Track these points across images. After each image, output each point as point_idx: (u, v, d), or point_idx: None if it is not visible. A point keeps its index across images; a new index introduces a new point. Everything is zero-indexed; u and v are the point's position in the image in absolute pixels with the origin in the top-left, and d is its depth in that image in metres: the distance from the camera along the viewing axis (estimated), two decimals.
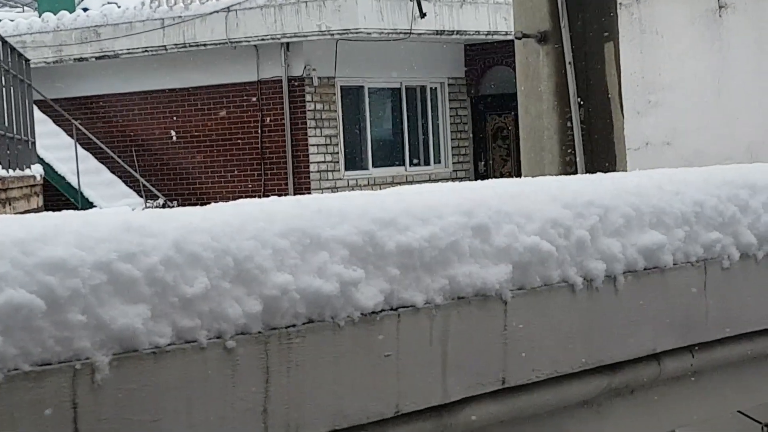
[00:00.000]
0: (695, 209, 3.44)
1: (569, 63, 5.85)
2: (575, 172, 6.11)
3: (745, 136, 4.56)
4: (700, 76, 4.62)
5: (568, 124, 6.16)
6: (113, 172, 22.37)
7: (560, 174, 6.09)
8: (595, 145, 6.38)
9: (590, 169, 6.02)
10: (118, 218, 2.37)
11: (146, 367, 2.21)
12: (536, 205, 3.11)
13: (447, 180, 23.09)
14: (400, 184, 21.82)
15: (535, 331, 2.99)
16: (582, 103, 5.99)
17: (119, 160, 22.21)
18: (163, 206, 21.26)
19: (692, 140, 4.65)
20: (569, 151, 6.19)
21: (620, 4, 4.75)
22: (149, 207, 21.20)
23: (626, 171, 5.81)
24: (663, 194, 3.44)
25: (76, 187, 21.64)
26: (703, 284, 3.46)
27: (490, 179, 4.47)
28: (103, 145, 22.35)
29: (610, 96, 5.99)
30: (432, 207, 2.89)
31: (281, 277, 2.45)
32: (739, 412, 3.81)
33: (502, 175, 23.28)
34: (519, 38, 5.91)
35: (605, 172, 5.13)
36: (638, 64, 4.76)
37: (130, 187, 22.28)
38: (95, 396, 2.14)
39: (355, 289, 2.58)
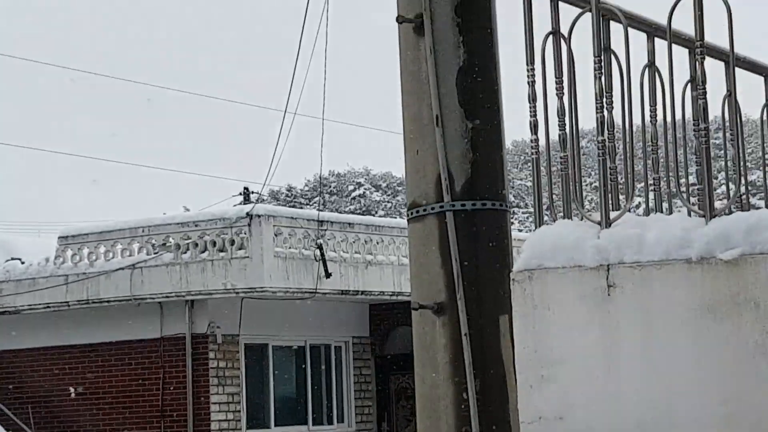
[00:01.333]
0: None
1: (465, 334, 5.93)
2: None
3: (633, 411, 4.64)
4: (590, 353, 4.73)
5: (464, 395, 6.19)
6: (7, 429, 21.75)
7: None
8: (491, 417, 6.39)
9: None
10: None
11: None
12: None
13: None
14: None
15: None
16: (478, 374, 6.04)
17: (13, 417, 21.66)
18: None
19: (583, 415, 4.72)
20: (465, 422, 6.21)
21: (513, 279, 4.90)
22: None
23: None
24: None
25: None
26: None
27: None
28: None
29: (505, 368, 6.05)
30: None
31: None
32: None
33: None
34: (416, 309, 6.00)
35: None
36: (531, 338, 4.86)
37: None
38: None
39: None
